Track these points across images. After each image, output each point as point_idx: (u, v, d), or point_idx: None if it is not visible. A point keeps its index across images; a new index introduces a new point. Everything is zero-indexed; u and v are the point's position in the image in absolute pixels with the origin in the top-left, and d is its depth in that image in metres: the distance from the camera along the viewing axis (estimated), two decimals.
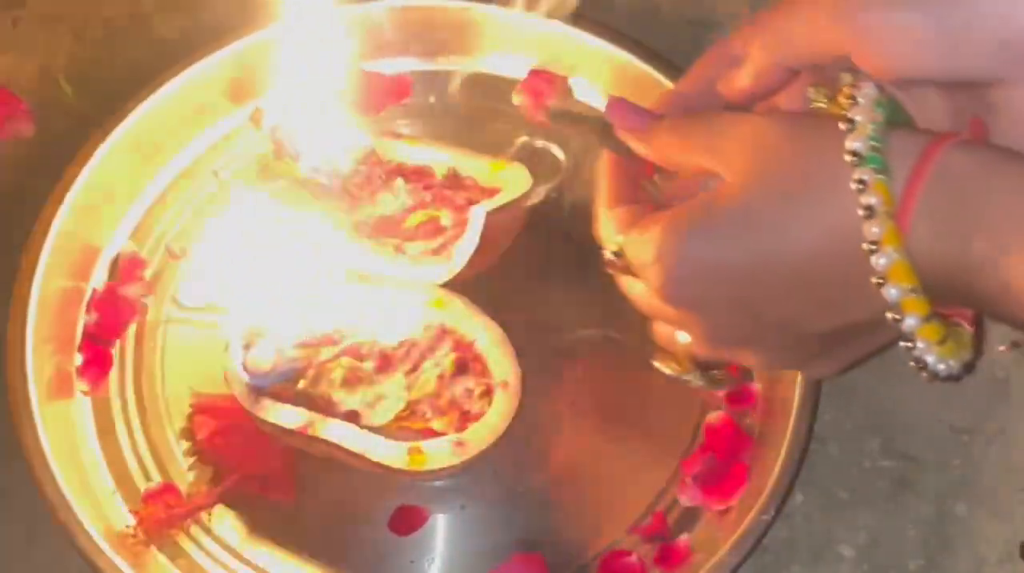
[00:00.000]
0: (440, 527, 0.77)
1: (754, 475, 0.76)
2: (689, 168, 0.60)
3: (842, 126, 0.54)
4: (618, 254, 0.61)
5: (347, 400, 0.75)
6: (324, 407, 0.74)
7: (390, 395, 0.75)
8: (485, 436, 0.73)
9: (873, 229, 0.52)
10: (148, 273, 0.84)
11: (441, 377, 0.75)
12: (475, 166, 0.81)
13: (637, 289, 0.62)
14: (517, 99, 0.88)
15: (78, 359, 0.81)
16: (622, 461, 0.79)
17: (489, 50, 0.89)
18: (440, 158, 0.82)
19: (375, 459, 0.72)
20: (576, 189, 0.85)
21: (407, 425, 0.75)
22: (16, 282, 0.79)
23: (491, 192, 0.80)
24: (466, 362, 0.76)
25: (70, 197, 0.81)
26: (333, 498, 0.77)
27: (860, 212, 0.52)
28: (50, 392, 0.78)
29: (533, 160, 0.81)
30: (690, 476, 0.77)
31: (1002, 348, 0.81)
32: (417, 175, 0.82)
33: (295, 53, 0.82)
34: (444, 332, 0.77)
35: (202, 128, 0.88)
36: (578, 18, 0.86)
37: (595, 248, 0.81)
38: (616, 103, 0.63)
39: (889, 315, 0.53)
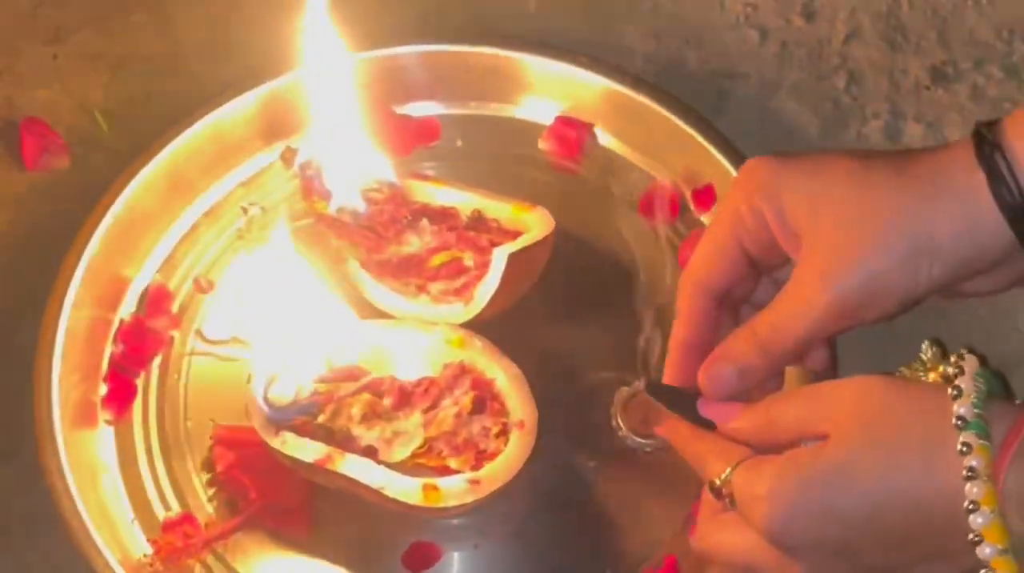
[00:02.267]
0: (454, 565, 0.78)
1: None
2: (787, 439, 0.62)
3: (951, 391, 0.59)
4: (722, 484, 0.63)
5: (365, 436, 0.75)
6: (342, 442, 0.75)
7: (408, 432, 0.76)
8: (500, 475, 0.74)
9: (974, 489, 0.57)
10: (175, 306, 0.85)
11: (458, 415, 0.76)
12: (499, 209, 0.82)
13: (727, 535, 0.64)
14: (543, 145, 0.90)
15: (103, 389, 0.82)
16: (636, 503, 0.79)
17: (516, 95, 0.90)
18: (465, 200, 0.83)
19: (391, 495, 0.73)
20: (598, 235, 0.87)
21: (423, 462, 0.75)
22: (46, 311, 0.80)
23: (514, 235, 0.81)
24: (484, 401, 0.76)
25: (101, 229, 0.82)
26: (348, 533, 0.78)
27: (963, 473, 0.57)
28: (74, 420, 0.79)
29: None
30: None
31: None
32: (442, 216, 0.83)
33: (326, 95, 0.83)
34: (463, 371, 0.77)
35: (233, 165, 0.89)
36: (604, 65, 0.87)
37: (615, 293, 0.84)
38: (709, 406, 0.66)
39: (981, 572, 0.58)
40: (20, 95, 0.92)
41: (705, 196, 0.87)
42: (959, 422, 0.58)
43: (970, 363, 0.61)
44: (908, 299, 0.64)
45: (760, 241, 0.66)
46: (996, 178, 0.63)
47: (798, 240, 0.64)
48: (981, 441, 0.57)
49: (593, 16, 0.95)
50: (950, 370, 0.61)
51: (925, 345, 0.65)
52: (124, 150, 0.88)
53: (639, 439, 0.80)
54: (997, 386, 0.61)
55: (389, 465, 0.74)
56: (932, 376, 0.64)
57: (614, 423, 0.80)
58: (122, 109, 0.92)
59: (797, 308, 0.64)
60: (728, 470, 0.62)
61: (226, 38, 0.94)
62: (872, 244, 0.63)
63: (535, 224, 0.81)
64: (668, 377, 0.69)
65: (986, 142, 0.63)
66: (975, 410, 0.58)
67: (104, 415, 0.81)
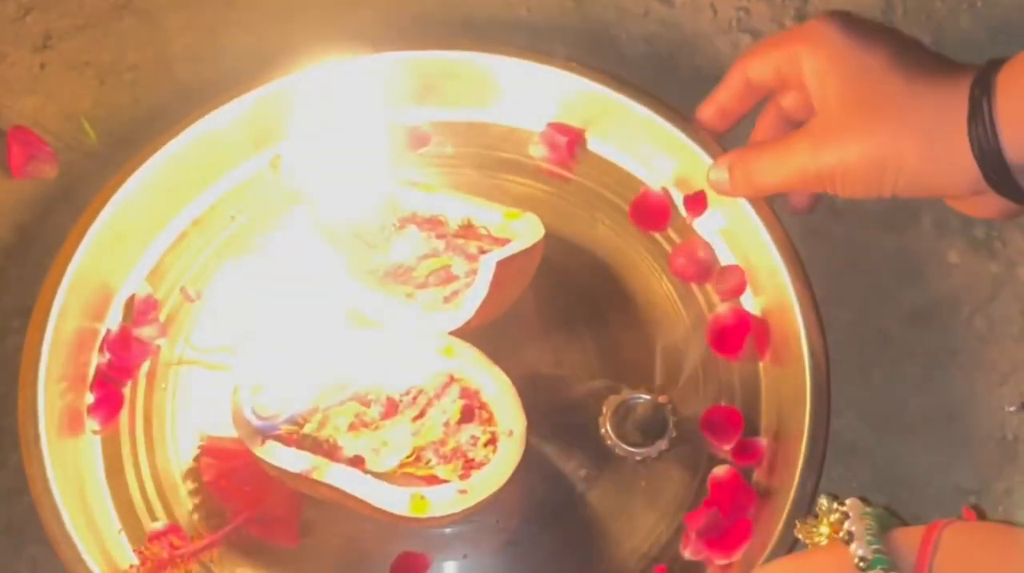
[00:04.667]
0: None
1: (758, 531, 0.76)
2: None
3: (842, 536, 0.65)
4: None
5: (352, 445, 0.75)
6: (329, 452, 0.74)
7: (395, 441, 0.75)
8: (489, 485, 0.73)
9: None
10: (162, 315, 0.84)
11: (447, 424, 0.76)
12: (489, 216, 0.82)
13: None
14: (534, 151, 0.89)
15: (90, 398, 0.81)
16: (626, 513, 0.79)
17: (507, 101, 0.90)
18: (454, 207, 0.82)
19: (378, 505, 0.73)
20: (588, 242, 0.87)
21: (412, 472, 0.75)
22: (31, 320, 0.79)
23: (503, 242, 0.80)
24: (472, 410, 0.76)
25: (88, 238, 0.82)
26: (336, 543, 0.78)
27: None
28: (60, 430, 0.78)
29: None
30: (694, 530, 0.77)
31: (1011, 409, 0.81)
32: (431, 224, 0.82)
33: (314, 101, 0.83)
34: (452, 380, 0.77)
35: (221, 172, 0.88)
36: (596, 71, 0.87)
37: (605, 301, 0.84)
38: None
39: None
40: (7, 103, 0.92)
41: (696, 202, 0.86)
42: (861, 564, 0.62)
43: (853, 506, 0.66)
44: (872, 195, 0.75)
45: (788, 80, 0.79)
46: (975, 118, 0.70)
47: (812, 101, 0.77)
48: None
49: (585, 21, 0.95)
50: (836, 516, 0.67)
51: (821, 498, 0.68)
52: (112, 157, 0.88)
53: (628, 448, 0.79)
54: (889, 519, 0.66)
55: (377, 475, 0.74)
56: (824, 527, 0.68)
57: (603, 431, 0.80)
58: (110, 117, 0.92)
59: (782, 160, 0.77)
60: None
61: (213, 45, 0.94)
62: (855, 141, 0.74)
63: (524, 231, 0.80)
64: (698, 114, 0.85)
65: (981, 82, 0.70)
66: (872, 547, 0.63)
67: (91, 424, 0.81)
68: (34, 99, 0.91)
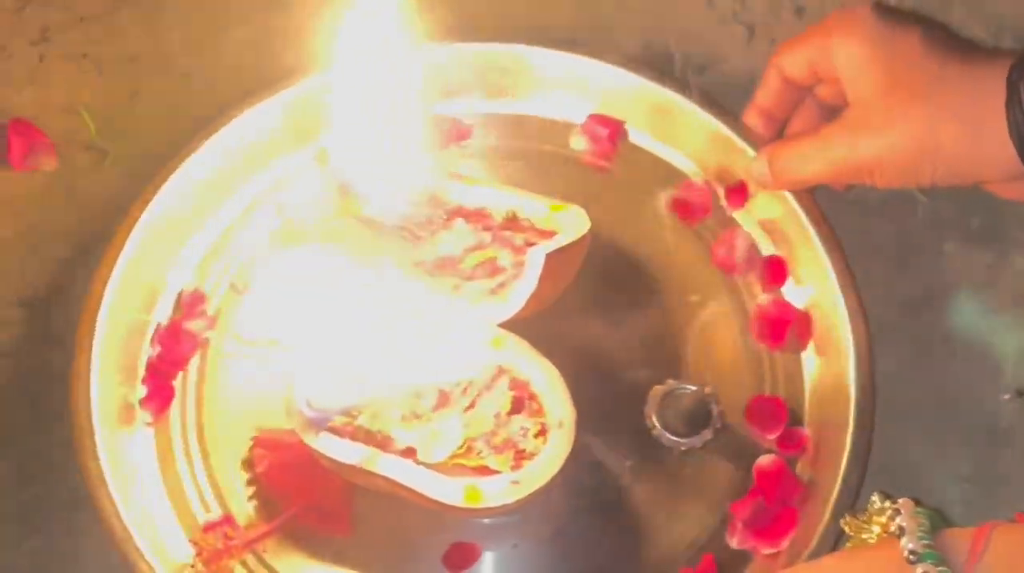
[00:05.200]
0: (493, 564, 0.78)
1: (803, 520, 0.77)
2: None
3: (894, 529, 0.65)
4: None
5: (404, 436, 0.75)
6: (381, 443, 0.75)
7: (447, 432, 0.76)
8: (541, 475, 0.74)
9: None
10: (211, 308, 0.85)
11: (497, 415, 0.76)
12: (534, 208, 0.82)
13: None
14: (575, 143, 0.90)
15: (141, 391, 0.82)
16: (673, 502, 0.80)
17: (547, 93, 0.90)
18: (500, 199, 0.82)
19: (430, 496, 0.73)
20: (632, 234, 0.87)
21: (463, 462, 0.75)
22: (81, 316, 0.80)
23: (549, 234, 0.81)
24: (522, 401, 0.76)
25: (136, 232, 0.82)
26: (389, 533, 0.78)
27: None
28: (114, 423, 0.79)
29: None
30: (740, 519, 0.77)
31: (1006, 397, 0.82)
32: (477, 216, 0.82)
33: (359, 94, 0.83)
34: (501, 371, 0.77)
35: (267, 165, 0.89)
36: (636, 64, 0.87)
37: (648, 292, 0.84)
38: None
39: None
40: (6, 95, 0.92)
41: (738, 194, 0.87)
42: (911, 557, 0.63)
43: (905, 504, 0.66)
44: (911, 184, 0.76)
45: (822, 73, 0.79)
46: (1014, 103, 0.70)
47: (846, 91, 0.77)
48: (940, 568, 0.62)
49: (581, 13, 0.95)
50: (887, 514, 0.67)
51: (873, 496, 0.69)
52: (111, 150, 0.88)
53: (673, 438, 0.80)
54: (939, 520, 0.66)
55: (428, 466, 0.74)
56: (876, 525, 0.68)
57: (648, 422, 0.80)
58: (109, 109, 0.92)
59: (820, 153, 0.78)
60: None
61: (213, 36, 0.94)
62: (892, 129, 0.74)
63: (570, 223, 0.81)
64: (745, 120, 0.85)
65: (1020, 67, 0.71)
66: (923, 542, 0.63)
67: (143, 417, 0.81)
68: (33, 91, 0.91)
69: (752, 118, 0.85)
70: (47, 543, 0.79)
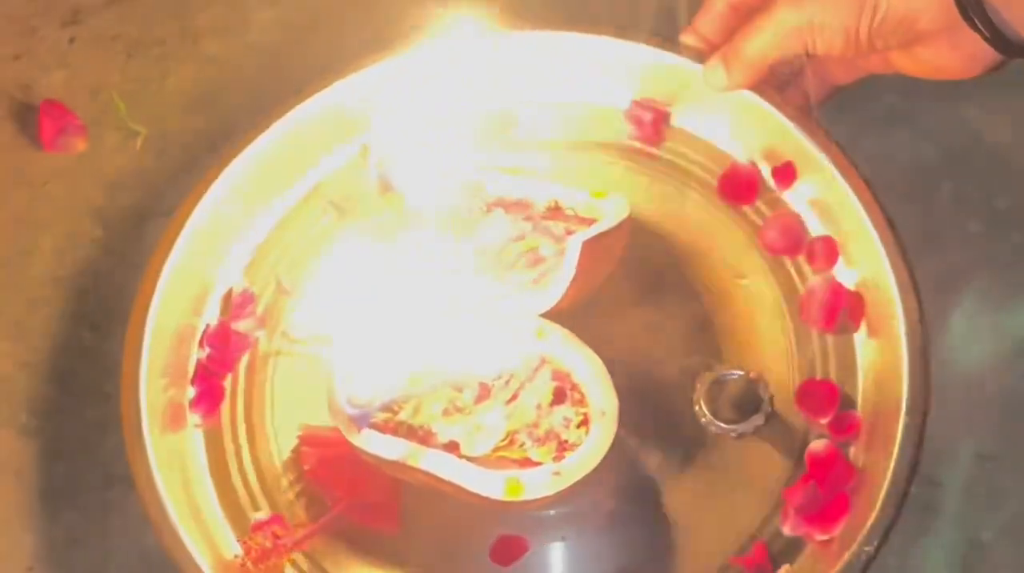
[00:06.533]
0: (543, 557, 0.77)
1: (857, 506, 0.75)
2: None
3: None
4: None
5: (446, 431, 0.75)
6: (424, 438, 0.75)
7: (489, 425, 0.75)
8: (583, 466, 0.73)
9: None
10: (259, 308, 0.85)
11: (539, 406, 0.76)
12: (575, 196, 0.81)
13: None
14: (619, 129, 0.89)
15: (191, 392, 0.82)
16: (723, 490, 0.79)
17: (590, 80, 0.89)
18: (541, 189, 0.82)
19: (472, 490, 0.73)
20: (676, 219, 0.86)
21: (506, 455, 0.75)
22: (131, 318, 0.80)
23: (590, 222, 0.80)
24: (564, 391, 0.76)
25: (184, 233, 0.82)
26: (436, 528, 0.78)
27: None
28: (164, 425, 0.79)
29: None
30: (793, 506, 0.76)
31: None
32: (518, 206, 0.82)
33: (400, 86, 0.84)
34: (543, 362, 0.77)
35: (313, 163, 0.88)
36: (678, 46, 0.86)
37: (695, 277, 0.84)
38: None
39: None
40: (38, 77, 0.93)
41: (785, 174, 0.85)
42: None
43: None
44: (850, 42, 0.77)
45: None
46: None
47: None
48: None
49: None
50: None
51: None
52: (141, 131, 0.90)
53: (723, 425, 0.79)
54: None
55: (471, 459, 0.74)
56: None
57: (696, 409, 0.79)
58: (139, 90, 0.93)
59: (765, 24, 0.79)
60: None
61: (238, 18, 0.94)
62: None
63: (611, 210, 0.80)
64: (697, 18, 0.85)
65: None
66: None
67: (193, 418, 0.82)
68: (63, 73, 0.93)
69: (690, 38, 0.86)
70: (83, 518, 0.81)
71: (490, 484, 0.73)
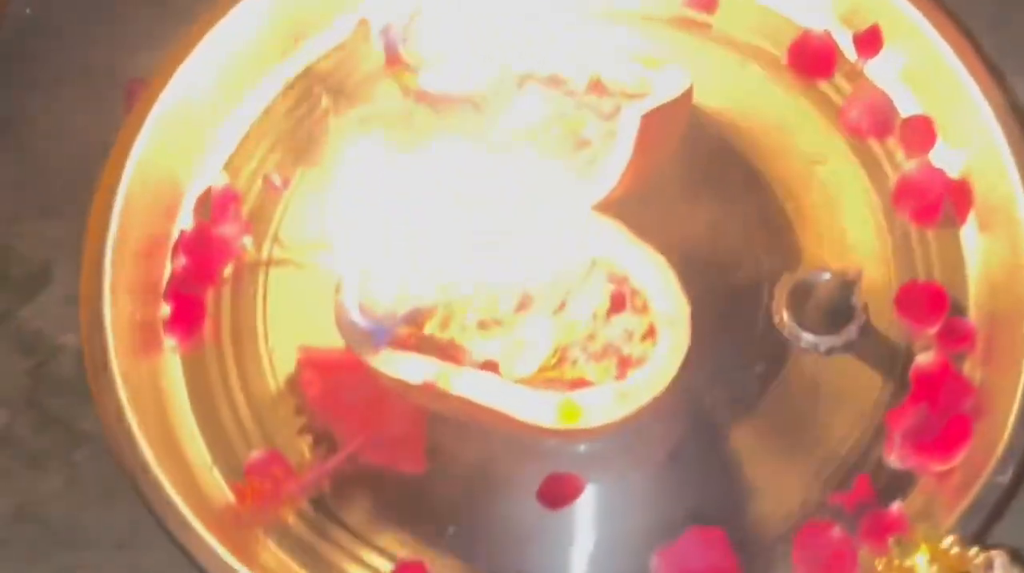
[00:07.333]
0: (598, 499, 0.70)
1: (979, 430, 0.67)
2: None
3: None
4: None
5: (483, 347, 0.66)
6: (455, 356, 0.66)
7: (534, 340, 0.66)
8: (652, 385, 0.64)
9: None
10: (244, 209, 0.77)
11: (594, 316, 0.67)
12: (623, 69, 0.72)
13: None
14: None
15: (165, 310, 0.74)
16: (813, 415, 0.71)
17: None
18: (581, 61, 0.73)
19: (519, 417, 0.64)
20: (741, 98, 0.78)
21: (555, 376, 0.66)
22: (88, 224, 0.72)
23: (642, 97, 0.71)
24: (623, 297, 0.67)
25: (149, 122, 0.74)
26: (469, 467, 0.70)
27: None
28: (133, 350, 0.71)
29: None
30: (898, 432, 0.68)
31: None
32: (554, 82, 0.73)
33: None
34: (595, 263, 0.68)
35: (303, 41, 0.81)
36: None
37: (766, 165, 0.76)
38: None
39: None
40: (124, 57, 0.87)
41: (869, 41, 0.77)
42: None
43: (1000, 555, 0.60)
44: None
45: None
46: None
47: None
48: None
49: None
50: (975, 563, 0.60)
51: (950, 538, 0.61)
52: None
53: (810, 337, 0.71)
54: None
55: (513, 381, 0.65)
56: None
57: (778, 319, 0.71)
58: None
59: None
60: None
61: None
62: None
63: (668, 83, 0.71)
64: None
65: None
66: None
67: (169, 341, 0.73)
68: (149, 53, 0.86)
69: None
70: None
71: (540, 409, 0.64)
